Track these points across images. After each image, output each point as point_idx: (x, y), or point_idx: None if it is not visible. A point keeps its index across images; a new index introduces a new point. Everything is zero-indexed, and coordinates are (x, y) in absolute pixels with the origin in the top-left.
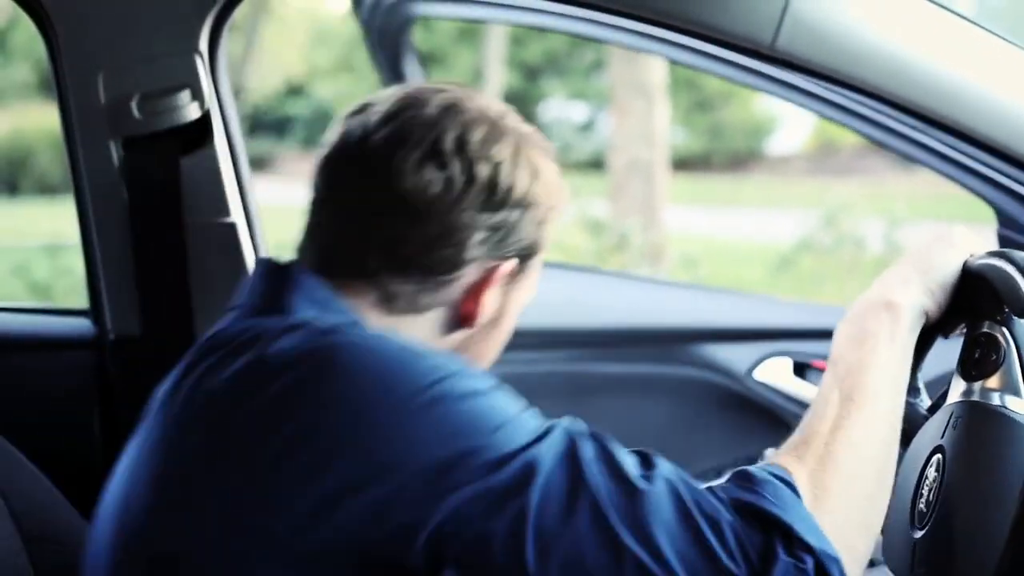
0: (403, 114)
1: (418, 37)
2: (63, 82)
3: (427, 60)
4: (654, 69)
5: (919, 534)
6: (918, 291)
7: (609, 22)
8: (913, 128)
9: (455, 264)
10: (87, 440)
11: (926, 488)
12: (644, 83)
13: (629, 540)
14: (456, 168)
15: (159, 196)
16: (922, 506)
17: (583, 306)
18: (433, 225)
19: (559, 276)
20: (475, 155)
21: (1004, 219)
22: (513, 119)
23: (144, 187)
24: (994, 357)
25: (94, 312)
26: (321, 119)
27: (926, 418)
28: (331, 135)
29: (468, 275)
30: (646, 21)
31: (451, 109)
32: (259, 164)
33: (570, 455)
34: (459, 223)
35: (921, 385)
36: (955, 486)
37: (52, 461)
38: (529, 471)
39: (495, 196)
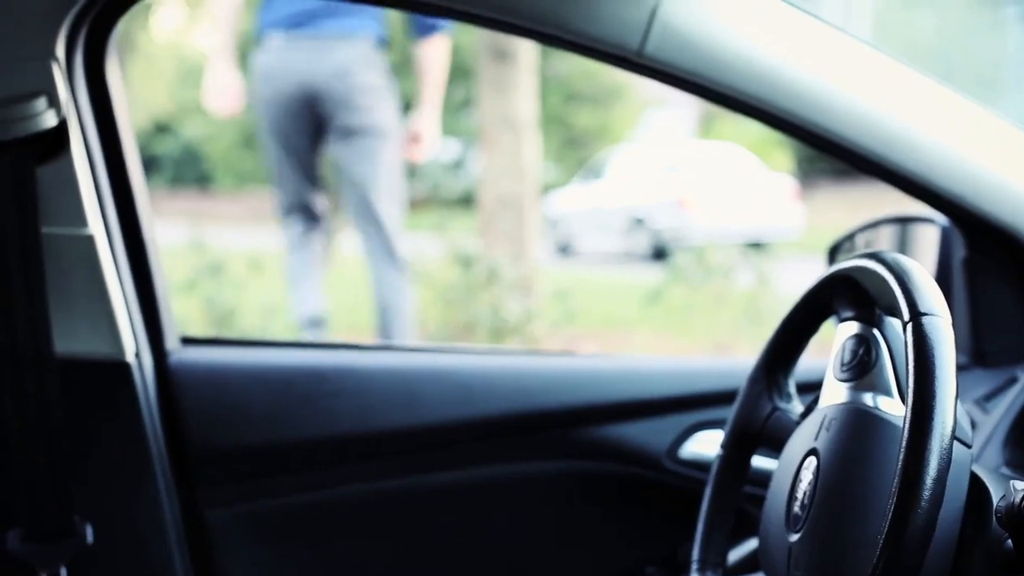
0: None
1: None
2: None
3: None
4: (523, 105)
5: (794, 538)
6: None
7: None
8: None
9: None
10: None
11: (800, 492)
12: (513, 118)
13: None
14: None
15: (14, 206)
16: (797, 510)
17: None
18: None
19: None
20: None
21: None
22: None
23: None
24: (866, 359)
25: None
26: (189, 158)
27: (798, 423)
28: None
29: None
30: (510, 29)
31: None
32: None
33: None
34: None
35: (792, 390)
36: (830, 489)
37: None
38: None
39: None
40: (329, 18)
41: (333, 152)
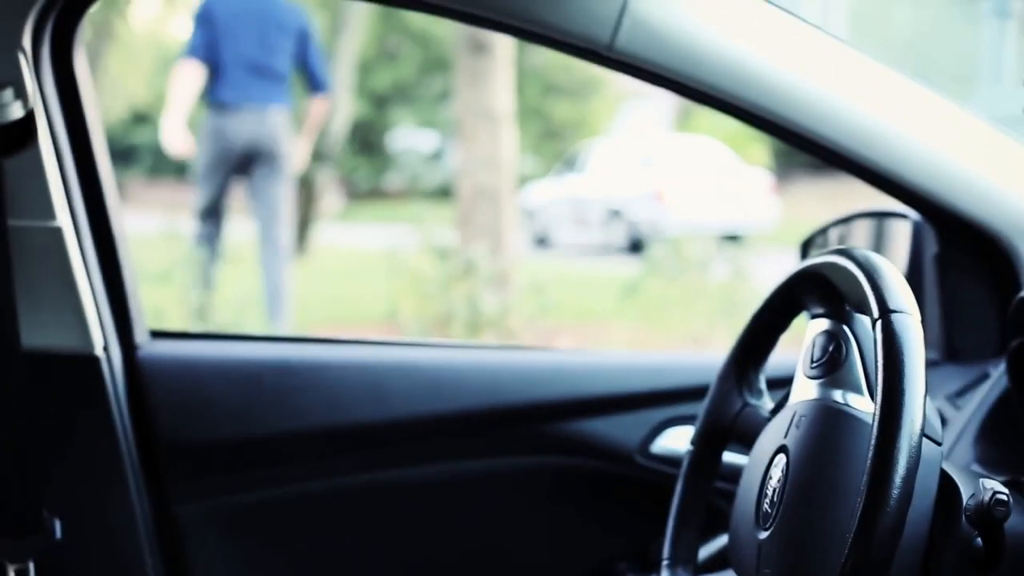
0: None
1: None
2: None
3: None
4: (501, 97)
5: (764, 535)
6: None
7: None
8: None
9: None
10: None
11: (770, 489)
12: (490, 110)
13: None
14: None
15: None
16: (766, 507)
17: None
18: None
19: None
20: None
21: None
22: None
23: None
24: (836, 356)
25: None
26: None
27: (768, 420)
28: None
29: None
30: (478, 22)
31: None
32: None
33: None
34: None
35: (763, 387)
36: (799, 486)
37: None
38: None
39: None
40: (264, 96)
41: (255, 180)
